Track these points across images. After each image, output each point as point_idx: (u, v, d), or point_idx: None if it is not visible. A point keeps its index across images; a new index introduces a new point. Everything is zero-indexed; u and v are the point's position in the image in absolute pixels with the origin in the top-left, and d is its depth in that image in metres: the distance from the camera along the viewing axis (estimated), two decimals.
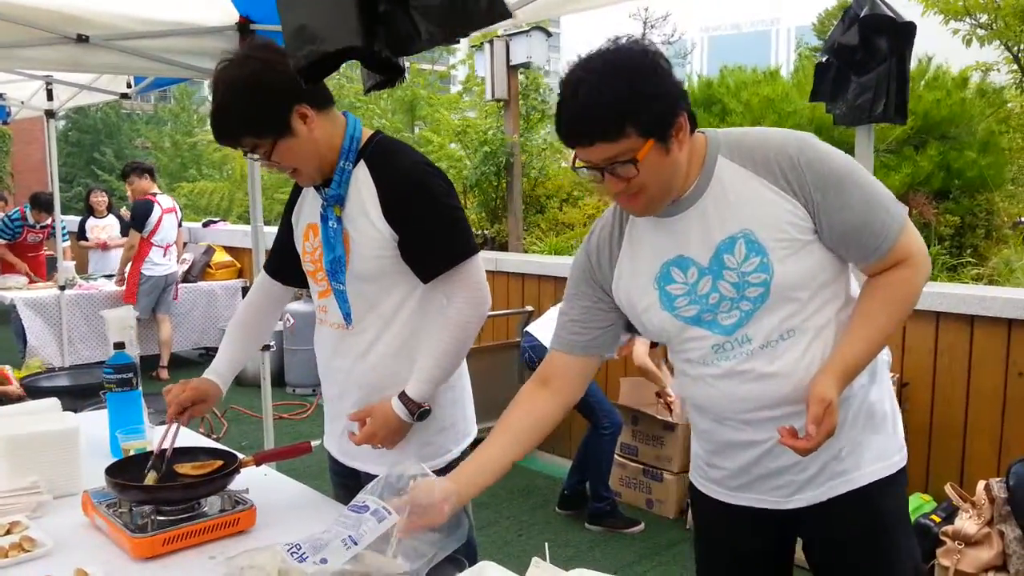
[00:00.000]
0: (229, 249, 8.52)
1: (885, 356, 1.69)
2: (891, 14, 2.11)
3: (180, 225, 7.88)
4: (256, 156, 1.85)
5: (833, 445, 1.58)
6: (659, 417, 4.32)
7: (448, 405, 2.02)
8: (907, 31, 2.13)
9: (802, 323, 1.54)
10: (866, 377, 1.61)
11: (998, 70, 13.83)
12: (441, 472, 1.98)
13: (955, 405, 3.68)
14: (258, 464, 1.96)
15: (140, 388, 2.38)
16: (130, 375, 2.33)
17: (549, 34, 8.11)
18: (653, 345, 4.22)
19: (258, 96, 1.76)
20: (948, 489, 3.39)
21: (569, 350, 1.73)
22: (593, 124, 1.40)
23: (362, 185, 1.88)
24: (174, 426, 1.95)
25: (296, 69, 1.60)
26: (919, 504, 3.57)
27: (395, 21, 1.59)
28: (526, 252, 8.08)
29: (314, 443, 2.07)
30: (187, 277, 8.07)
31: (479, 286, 1.91)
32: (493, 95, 7.86)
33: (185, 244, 8.37)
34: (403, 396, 1.86)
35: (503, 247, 8.55)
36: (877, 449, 1.66)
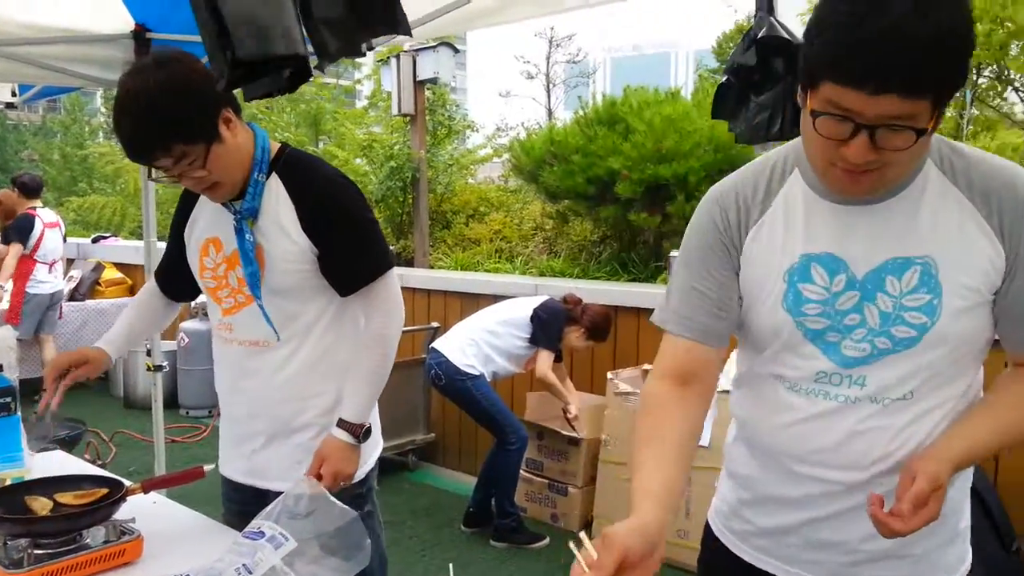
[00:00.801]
0: (120, 266, 8.18)
1: None
2: (787, 36, 2.17)
3: (65, 240, 7.51)
4: (170, 173, 1.74)
5: (914, 540, 1.26)
6: (564, 432, 4.33)
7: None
8: (799, 52, 2.19)
9: (931, 389, 1.25)
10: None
11: None
12: (362, 484, 1.99)
13: None
14: (146, 491, 1.86)
15: (19, 413, 2.23)
16: (8, 399, 2.18)
17: (456, 50, 8.11)
18: (557, 359, 4.23)
19: (190, 99, 1.67)
20: None
21: (707, 339, 1.33)
22: (908, 67, 1.00)
23: (276, 198, 1.83)
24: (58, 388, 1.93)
25: (242, 56, 1.51)
26: None
27: (313, 35, 1.56)
28: (432, 268, 8.03)
29: (207, 467, 1.98)
30: (75, 295, 7.70)
31: (396, 299, 1.90)
32: (399, 110, 7.81)
33: (71, 261, 7.97)
34: (342, 423, 1.84)
35: (409, 263, 8.48)
36: (953, 557, 1.37)
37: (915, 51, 1.00)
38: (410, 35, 1.64)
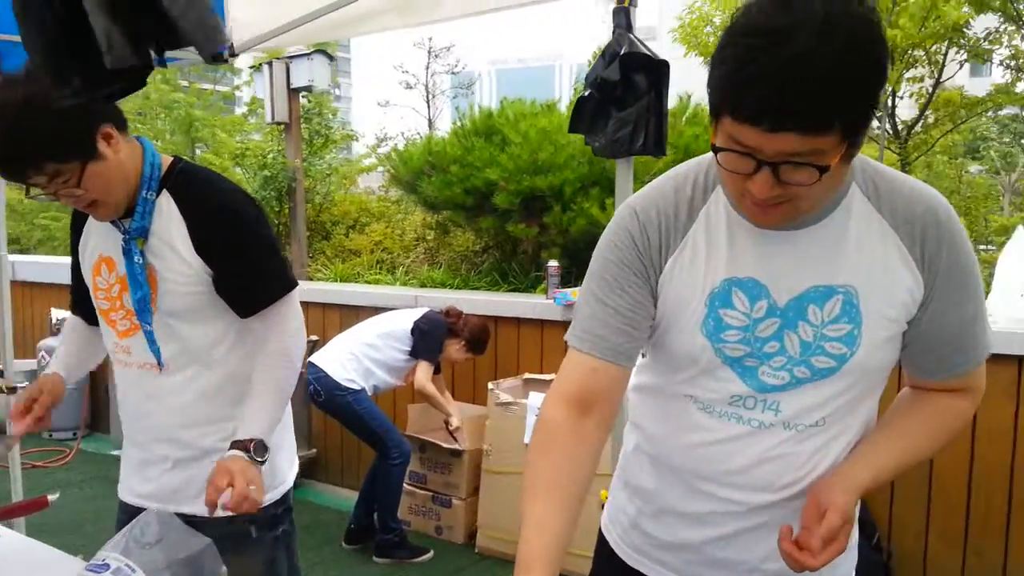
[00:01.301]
0: None
1: None
2: (648, 52, 2.24)
3: None
4: (48, 190, 1.63)
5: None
6: (446, 445, 4.32)
7: (279, 428, 1.90)
8: (662, 69, 2.27)
9: (842, 415, 1.25)
10: None
11: None
12: (282, 503, 1.93)
13: None
14: None
15: None
16: None
17: (332, 58, 8.00)
18: (437, 371, 4.22)
19: (63, 114, 1.55)
20: None
21: (617, 359, 1.26)
22: (804, 104, 0.96)
23: (167, 217, 1.74)
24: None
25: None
26: None
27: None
28: (311, 279, 7.88)
29: (51, 496, 1.87)
30: None
31: (298, 319, 1.83)
32: (273, 118, 7.64)
33: None
34: (237, 443, 1.69)
35: None
36: (848, 565, 1.40)
37: (811, 87, 0.95)
38: (213, 51, 1.57)
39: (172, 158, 1.82)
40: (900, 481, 3.42)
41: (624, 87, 2.23)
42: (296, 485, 5.22)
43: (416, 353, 4.09)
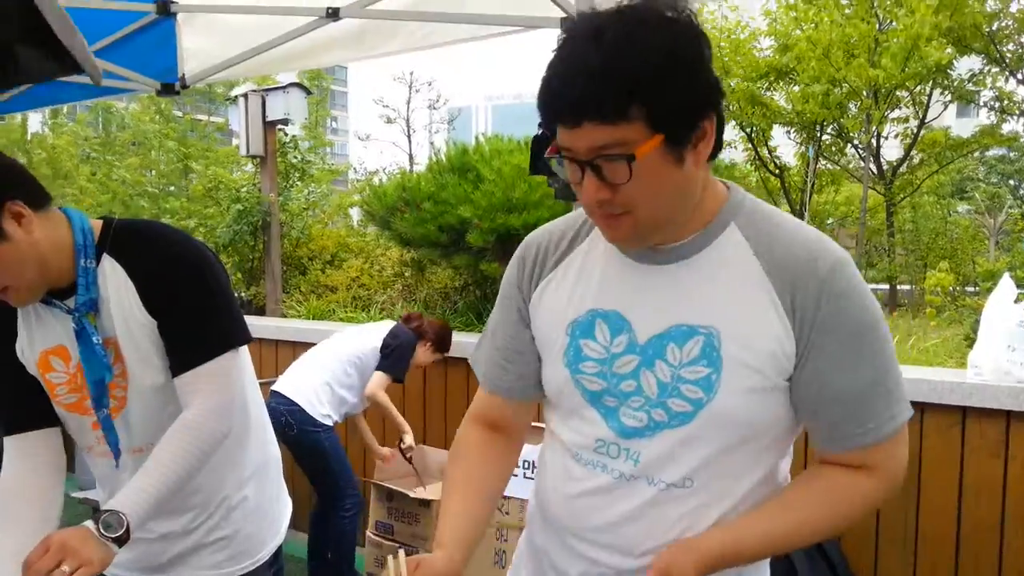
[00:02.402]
0: None
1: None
2: None
3: None
4: None
5: None
6: (413, 495, 4.14)
7: (247, 517, 1.76)
8: None
9: (716, 478, 1.16)
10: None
11: (735, 147, 15.37)
12: (274, 562, 1.83)
13: None
14: None
15: None
16: None
17: (309, 92, 7.92)
18: (397, 381, 4.01)
19: None
20: None
21: (499, 392, 1.32)
22: (589, 90, 0.99)
23: (115, 282, 1.57)
24: None
25: None
26: None
27: None
28: (285, 316, 7.71)
29: None
30: None
31: (228, 393, 1.62)
32: (248, 151, 7.54)
33: None
34: (94, 512, 1.47)
35: (261, 311, 8.13)
36: None
37: (589, 77, 0.99)
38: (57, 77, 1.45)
39: (103, 220, 1.65)
40: (885, 537, 3.27)
41: None
42: None
43: (385, 369, 3.90)
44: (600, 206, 1.06)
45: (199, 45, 3.05)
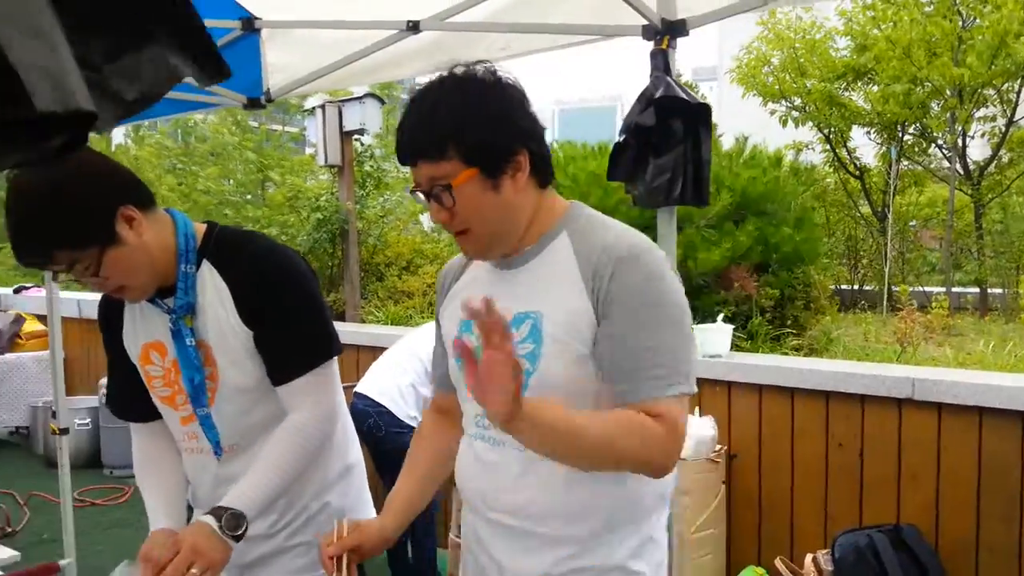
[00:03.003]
0: (43, 318, 7.80)
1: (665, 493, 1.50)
2: (685, 96, 2.09)
3: None
4: (65, 274, 1.54)
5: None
6: None
7: (323, 525, 1.78)
8: (702, 113, 2.12)
9: None
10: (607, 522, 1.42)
11: (812, 149, 15.01)
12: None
13: (781, 477, 3.71)
14: None
15: None
16: None
17: (383, 101, 8.06)
18: None
19: (74, 202, 1.47)
20: (778, 563, 3.39)
21: (443, 387, 1.64)
22: (417, 140, 1.33)
23: (212, 289, 1.65)
24: None
25: (41, 107, 1.37)
26: None
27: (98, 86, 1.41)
28: (363, 321, 7.84)
29: (63, 562, 1.77)
30: None
31: (328, 400, 1.71)
32: (326, 161, 7.70)
33: None
34: (214, 508, 1.56)
35: (340, 316, 8.28)
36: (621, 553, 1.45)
37: (413, 128, 1.34)
38: (223, 79, 1.50)
39: (206, 225, 1.72)
40: (985, 546, 3.14)
41: (660, 133, 2.09)
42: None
43: None
44: (445, 226, 1.37)
45: (283, 60, 3.14)
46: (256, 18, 2.99)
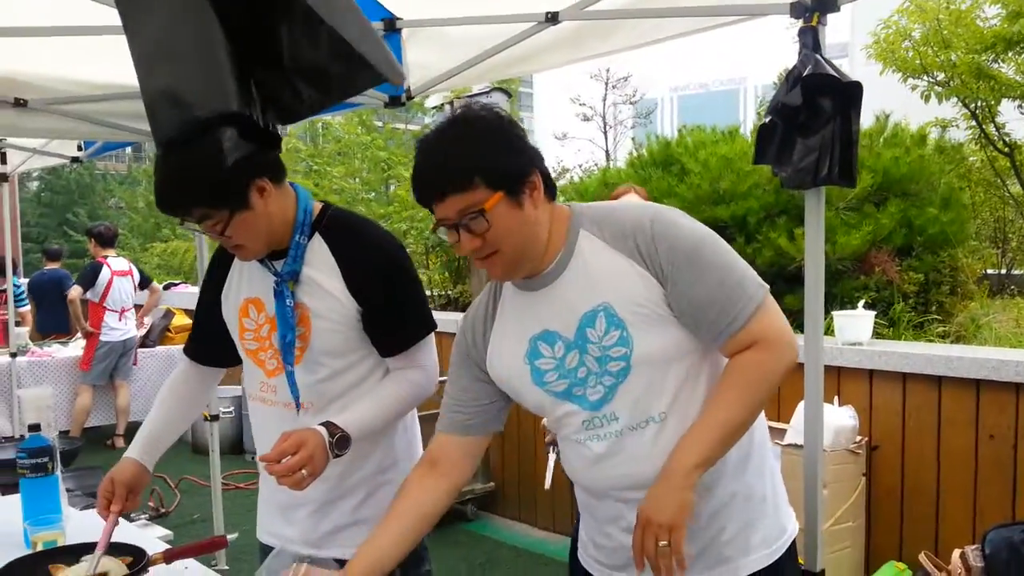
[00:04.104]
0: (190, 312, 8.32)
1: (762, 434, 1.68)
2: (835, 74, 2.05)
3: (144, 287, 7.70)
4: (197, 227, 1.76)
5: (713, 527, 1.58)
6: None
7: (383, 503, 1.89)
8: (852, 92, 2.07)
9: (674, 407, 1.53)
10: (735, 458, 1.57)
11: (957, 126, 14.15)
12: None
13: (926, 468, 3.58)
14: (168, 562, 1.81)
15: (58, 473, 2.23)
16: (46, 459, 2.18)
17: (509, 95, 8.14)
18: None
19: (222, 166, 1.67)
20: (923, 558, 3.27)
21: (454, 431, 1.69)
22: (444, 176, 1.44)
23: (321, 259, 1.83)
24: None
25: (160, 136, 1.56)
26: (894, 573, 3.44)
27: (274, 88, 1.55)
28: None
29: (231, 536, 1.92)
30: (145, 342, 7.87)
31: (434, 362, 1.94)
32: None
33: (139, 307, 8.13)
34: (328, 423, 1.75)
35: (467, 307, 8.41)
36: (763, 534, 1.63)
37: (442, 164, 1.46)
38: (400, 81, 1.67)
39: (322, 204, 1.90)
40: None
41: (808, 112, 2.05)
42: (473, 519, 5.27)
43: None
44: (475, 253, 1.48)
45: (423, 57, 3.23)
46: (398, 18, 3.09)
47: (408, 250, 9.11)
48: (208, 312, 2.04)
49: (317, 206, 1.89)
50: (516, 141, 1.49)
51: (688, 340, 1.52)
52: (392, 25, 3.14)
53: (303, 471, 1.65)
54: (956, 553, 3.11)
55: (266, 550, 1.99)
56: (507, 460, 5.12)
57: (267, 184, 1.75)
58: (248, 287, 1.92)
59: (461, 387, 1.69)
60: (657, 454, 1.50)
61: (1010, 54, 13.44)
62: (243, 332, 1.93)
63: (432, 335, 1.93)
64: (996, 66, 13.77)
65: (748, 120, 13.56)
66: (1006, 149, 14.36)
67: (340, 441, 1.72)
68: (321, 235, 1.85)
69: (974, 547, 3.06)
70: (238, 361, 2.04)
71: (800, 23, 2.10)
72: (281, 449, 1.66)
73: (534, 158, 1.51)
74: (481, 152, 1.45)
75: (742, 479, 1.60)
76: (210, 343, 2.07)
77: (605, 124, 17.39)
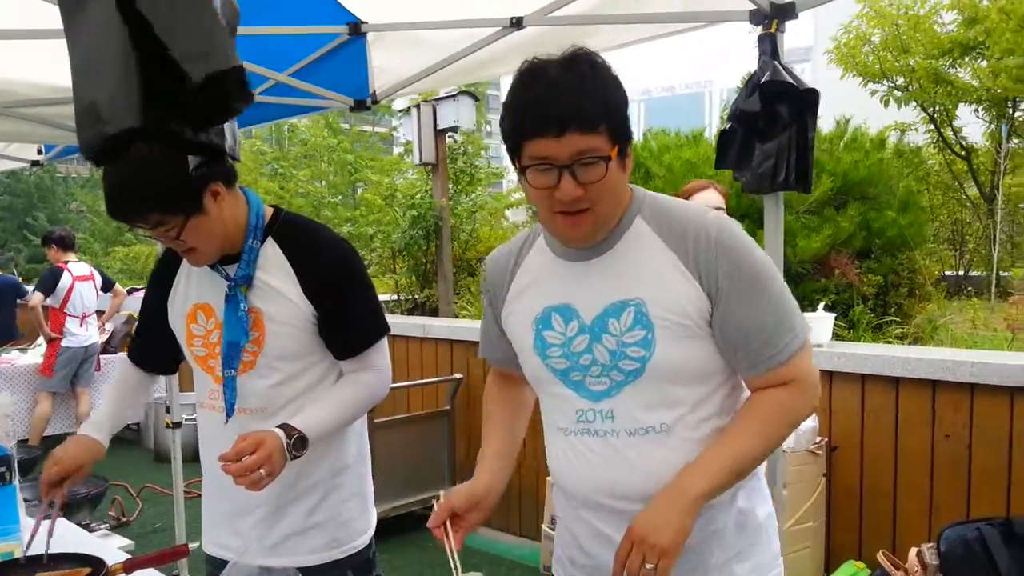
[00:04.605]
0: None
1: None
2: (792, 81, 2.08)
3: (107, 290, 7.57)
4: (148, 233, 1.74)
5: (704, 557, 1.46)
6: None
7: (349, 496, 1.95)
8: (809, 98, 2.11)
9: (678, 423, 1.43)
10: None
11: (916, 130, 14.43)
12: (368, 549, 1.98)
13: (884, 468, 3.64)
14: (128, 572, 1.78)
15: (16, 483, 2.19)
16: (3, 469, 2.13)
17: (477, 98, 8.15)
18: None
19: (176, 172, 1.65)
20: (880, 557, 3.32)
21: (503, 366, 1.69)
22: (572, 106, 1.26)
23: (275, 263, 1.82)
24: (45, 524, 1.83)
25: (86, 150, 1.53)
26: (853, 572, 3.50)
27: (187, 96, 1.51)
28: (457, 316, 7.97)
29: (193, 545, 1.90)
30: (107, 348, 7.74)
31: (388, 365, 1.94)
32: (421, 159, 7.85)
33: (100, 313, 7.98)
34: (284, 425, 1.73)
35: (434, 312, 8.43)
36: (753, 563, 1.52)
37: (573, 95, 1.27)
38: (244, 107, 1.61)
39: (273, 208, 1.90)
40: None
41: (766, 118, 2.09)
42: None
43: None
44: (572, 203, 1.32)
45: (388, 62, 3.23)
46: (363, 22, 3.09)
47: (375, 254, 9.03)
48: (152, 318, 2.01)
49: (268, 210, 1.88)
50: (628, 103, 1.36)
51: (713, 361, 1.43)
52: (357, 29, 3.13)
53: (261, 471, 1.62)
54: (912, 551, 3.17)
55: (213, 562, 1.98)
56: (474, 464, 5.12)
57: (220, 188, 1.74)
58: (197, 293, 1.90)
59: (493, 327, 1.65)
60: (650, 467, 1.42)
61: (966, 59, 13.76)
62: (191, 338, 1.91)
63: (385, 339, 1.93)
64: (953, 71, 14.08)
65: (713, 124, 13.66)
66: (963, 152, 14.66)
67: (298, 442, 1.70)
68: (275, 239, 1.84)
69: (929, 545, 3.12)
70: (174, 369, 2.09)
71: (760, 30, 2.13)
72: (239, 448, 1.63)
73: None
74: (614, 100, 1.32)
75: (734, 504, 1.49)
76: (153, 348, 2.06)
77: None
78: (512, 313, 1.56)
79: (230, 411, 1.85)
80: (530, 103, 1.29)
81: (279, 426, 1.71)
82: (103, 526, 5.01)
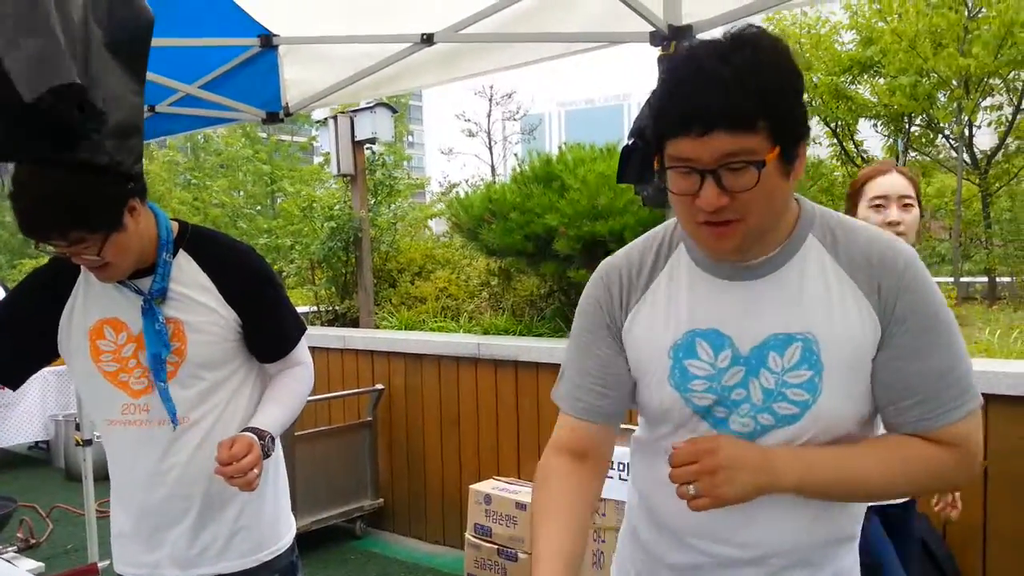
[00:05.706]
0: None
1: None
2: None
3: None
4: (64, 250, 1.68)
5: None
6: (510, 497, 4.26)
7: (271, 499, 1.98)
8: None
9: None
10: (836, 542, 1.31)
11: (819, 143, 15.05)
12: (291, 552, 1.99)
13: None
14: None
15: None
16: None
17: (395, 110, 8.15)
18: None
19: (99, 189, 1.63)
20: None
21: (594, 418, 1.34)
22: (723, 104, 1.06)
23: (187, 275, 1.84)
24: None
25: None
26: None
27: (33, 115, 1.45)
28: (378, 327, 7.94)
29: (102, 564, 1.87)
30: None
31: (310, 360, 2.02)
32: (339, 170, 7.82)
33: None
34: (252, 428, 1.80)
35: (355, 323, 8.37)
36: None
37: (723, 89, 1.06)
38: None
39: (178, 222, 1.92)
40: (993, 535, 3.19)
41: None
42: (363, 536, 5.18)
43: None
44: (717, 213, 1.11)
45: (300, 75, 3.24)
46: (274, 35, 3.09)
47: (293, 265, 8.89)
48: (11, 331, 1.90)
49: (174, 225, 1.89)
50: (803, 89, 1.15)
51: (867, 405, 1.23)
52: (269, 42, 3.14)
53: (255, 471, 1.70)
54: None
55: None
56: (396, 475, 5.11)
57: (137, 203, 1.74)
58: (99, 308, 1.85)
59: (601, 359, 1.34)
60: (772, 520, 1.25)
61: (865, 76, 14.45)
62: (98, 354, 1.86)
63: (304, 337, 2.01)
64: (853, 87, 14.75)
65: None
66: (864, 165, 15.37)
67: (270, 441, 1.79)
68: (187, 251, 1.85)
69: None
70: (20, 381, 1.93)
71: (659, 51, 2.23)
72: (233, 453, 1.68)
73: (808, 125, 1.17)
74: (779, 88, 1.09)
75: (840, 564, 1.32)
76: (11, 360, 1.92)
77: (490, 140, 17.64)
78: (638, 329, 1.31)
79: (175, 420, 1.83)
80: (677, 93, 1.10)
81: (247, 429, 1.78)
82: (10, 549, 4.82)
